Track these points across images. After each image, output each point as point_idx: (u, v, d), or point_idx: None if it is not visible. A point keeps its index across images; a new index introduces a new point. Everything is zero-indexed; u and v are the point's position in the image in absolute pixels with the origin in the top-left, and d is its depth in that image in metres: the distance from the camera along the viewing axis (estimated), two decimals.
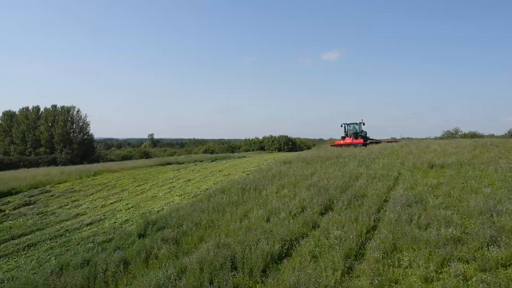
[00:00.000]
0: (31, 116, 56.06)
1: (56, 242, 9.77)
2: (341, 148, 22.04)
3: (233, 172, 18.31)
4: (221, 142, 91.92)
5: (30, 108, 57.45)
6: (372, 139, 30.00)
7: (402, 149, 19.31)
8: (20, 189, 18.40)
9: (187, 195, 13.90)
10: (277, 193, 11.94)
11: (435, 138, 51.41)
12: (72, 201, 15.24)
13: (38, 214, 13.22)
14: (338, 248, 6.81)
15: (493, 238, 6.53)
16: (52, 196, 16.63)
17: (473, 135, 44.72)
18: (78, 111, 55.02)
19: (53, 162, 45.27)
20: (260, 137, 70.09)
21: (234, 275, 6.25)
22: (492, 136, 47.77)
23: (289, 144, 66.46)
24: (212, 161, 29.08)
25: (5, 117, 57.22)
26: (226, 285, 5.94)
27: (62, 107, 54.58)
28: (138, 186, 17.46)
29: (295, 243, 7.44)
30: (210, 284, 6.07)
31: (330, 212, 9.22)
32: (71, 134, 53.70)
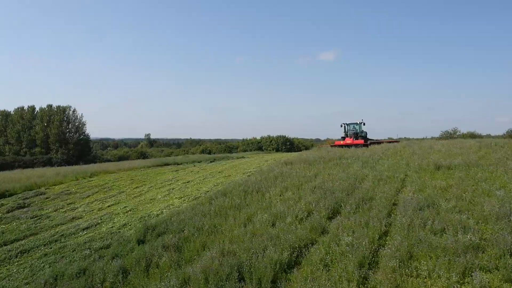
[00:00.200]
0: (26, 116, 55.33)
1: (51, 248, 9.31)
2: (343, 149, 21.64)
3: (233, 174, 17.89)
4: (218, 142, 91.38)
5: (26, 108, 56.73)
6: (373, 140, 29.68)
7: (405, 150, 18.98)
8: (14, 191, 17.89)
9: (187, 197, 13.47)
10: (280, 195, 11.55)
11: (432, 138, 51.21)
12: (67, 204, 14.75)
13: (32, 218, 12.73)
14: (351, 256, 6.42)
15: None
16: (47, 198, 16.13)
17: (472, 135, 44.54)
18: (74, 110, 54.40)
19: (49, 163, 44.62)
20: (258, 137, 69.65)
21: (242, 286, 5.84)
22: (489, 136, 47.66)
23: (287, 144, 66.00)
24: (211, 161, 28.63)
25: (0, 117, 56.41)
26: None
27: (58, 107, 53.89)
28: (136, 188, 16.99)
29: (304, 250, 7.04)
30: None
31: (339, 217, 8.83)
32: (67, 134, 53.04)
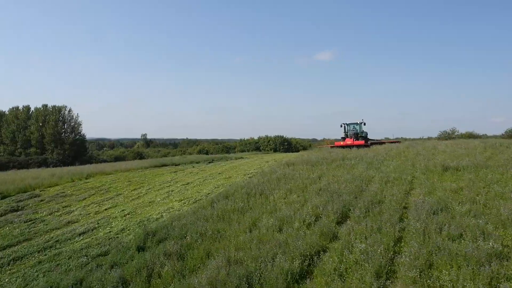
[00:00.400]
0: (21, 116, 54.46)
1: (45, 255, 8.82)
2: (346, 150, 21.25)
3: (234, 175, 17.45)
4: (215, 142, 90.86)
5: (20, 107, 55.89)
6: (373, 140, 29.32)
7: (408, 151, 18.65)
8: (8, 193, 17.32)
9: (187, 200, 13.01)
10: (285, 198, 11.14)
11: (430, 138, 51.17)
12: (63, 207, 14.23)
13: (26, 222, 12.21)
14: (367, 266, 6.02)
15: None
16: (41, 201, 15.58)
17: (471, 135, 44.43)
18: (69, 110, 53.54)
19: (44, 163, 43.92)
20: (256, 137, 69.27)
21: None
22: (485, 136, 47.56)
23: (285, 145, 65.65)
24: (209, 162, 28.16)
25: None
26: None
27: (53, 107, 53.05)
28: (133, 190, 16.50)
29: (315, 258, 6.63)
30: None
31: (348, 221, 8.45)
32: (63, 134, 52.21)
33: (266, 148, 63.60)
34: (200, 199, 12.89)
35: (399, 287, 5.56)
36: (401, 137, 53.50)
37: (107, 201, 14.57)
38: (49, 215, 13.14)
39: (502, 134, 46.78)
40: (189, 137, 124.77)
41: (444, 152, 16.63)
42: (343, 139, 28.17)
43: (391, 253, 6.59)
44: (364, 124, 28.49)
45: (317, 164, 16.47)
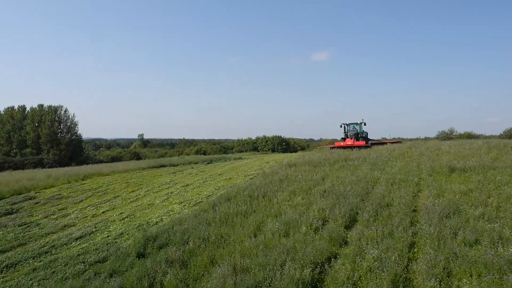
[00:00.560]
0: (17, 116, 53.81)
1: (40, 261, 8.41)
2: (347, 150, 20.89)
3: (235, 176, 17.08)
4: (212, 142, 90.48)
5: (16, 107, 55.23)
6: (373, 140, 29.00)
7: (411, 151, 18.37)
8: (2, 195, 16.86)
9: (187, 202, 12.63)
10: (289, 201, 10.81)
11: (427, 139, 51.03)
12: (59, 210, 13.80)
13: (21, 226, 11.78)
14: (381, 274, 5.69)
15: None
16: (37, 203, 15.14)
17: (469, 135, 44.30)
18: (65, 110, 53.00)
19: (40, 164, 43.36)
20: (253, 138, 68.93)
21: None
22: (482, 136, 47.41)
23: (283, 145, 65.38)
24: (208, 163, 27.76)
25: None
26: None
27: (49, 107, 52.46)
28: (131, 192, 16.09)
29: (326, 265, 6.28)
30: None
31: (358, 226, 8.12)
32: (59, 134, 51.62)
33: (264, 149, 63.26)
34: (201, 201, 12.52)
35: None
36: (398, 137, 53.28)
37: (104, 204, 14.16)
38: (45, 218, 12.72)
39: (501, 134, 46.72)
40: (185, 137, 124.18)
41: (448, 153, 16.35)
42: (343, 139, 27.76)
43: (406, 260, 6.27)
44: (365, 124, 28.01)
45: (319, 165, 16.15)
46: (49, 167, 40.14)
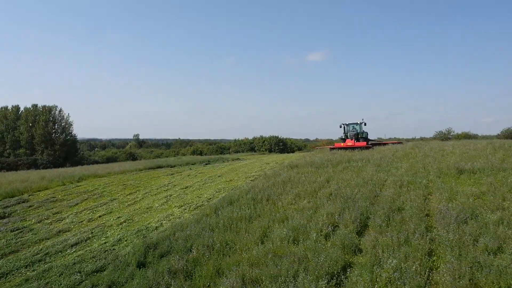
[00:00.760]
0: (10, 116, 52.93)
1: (33, 271, 7.90)
2: (348, 151, 20.50)
3: (235, 178, 16.62)
4: (208, 142, 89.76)
5: (9, 107, 54.33)
6: (373, 140, 28.66)
7: (415, 152, 18.06)
8: None
9: (187, 206, 12.16)
10: (294, 204, 10.39)
11: (422, 139, 50.88)
12: (53, 214, 13.25)
13: (13, 231, 11.23)
14: (403, 286, 5.28)
15: None
16: (30, 207, 14.57)
17: (467, 136, 44.24)
18: (60, 110, 52.13)
19: (34, 164, 42.60)
20: (250, 138, 68.39)
21: None
22: (478, 137, 47.42)
23: (280, 145, 64.85)
24: (206, 164, 27.27)
25: None
26: None
27: (43, 107, 51.59)
28: (129, 194, 15.56)
29: (342, 276, 5.86)
30: None
31: (371, 232, 7.71)
32: (53, 135, 50.76)
33: (261, 149, 62.74)
34: (202, 204, 12.05)
35: None
36: (394, 137, 53.11)
37: (101, 207, 13.64)
38: (38, 223, 12.18)
39: (498, 134, 46.72)
40: (181, 137, 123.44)
41: (453, 154, 16.02)
42: (343, 140, 27.32)
43: (427, 270, 5.86)
44: (365, 124, 27.53)
45: (322, 166, 15.76)
46: (43, 168, 39.41)
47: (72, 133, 53.28)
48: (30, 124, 50.48)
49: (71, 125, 53.01)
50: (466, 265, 5.71)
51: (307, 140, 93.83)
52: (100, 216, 12.31)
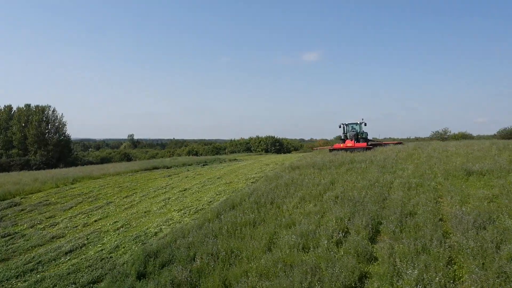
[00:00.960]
0: (3, 116, 52.02)
1: (25, 281, 7.39)
2: (347, 152, 20.09)
3: (235, 180, 16.15)
4: (203, 142, 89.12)
5: (2, 107, 53.40)
6: (373, 141, 28.29)
7: (418, 152, 17.72)
8: None
9: (187, 209, 11.68)
10: (299, 208, 9.96)
11: (417, 139, 50.76)
12: (46, 218, 12.68)
13: (4, 237, 10.67)
14: None
15: None
16: (22, 210, 13.98)
17: (464, 136, 44.19)
18: (53, 110, 51.26)
19: (27, 165, 41.80)
20: (246, 138, 67.89)
21: None
22: (472, 136, 47.38)
23: (276, 145, 64.43)
24: (204, 165, 26.74)
25: None
26: None
27: (37, 107, 50.70)
28: (125, 197, 15.03)
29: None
30: None
31: (385, 238, 7.30)
32: (46, 135, 49.88)
33: (258, 149, 62.26)
34: (202, 208, 11.58)
35: None
36: (389, 137, 52.87)
37: (96, 211, 13.10)
38: (31, 228, 11.63)
39: (495, 134, 46.77)
40: (175, 137, 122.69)
41: (458, 154, 15.69)
42: (343, 140, 26.83)
43: (451, 281, 5.46)
44: (365, 124, 27.00)
45: (324, 167, 15.35)
46: (36, 169, 38.62)
47: (66, 133, 52.48)
48: (23, 124, 49.59)
49: (65, 125, 52.21)
50: (492, 275, 5.33)
51: (302, 140, 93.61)
52: (95, 221, 11.78)
